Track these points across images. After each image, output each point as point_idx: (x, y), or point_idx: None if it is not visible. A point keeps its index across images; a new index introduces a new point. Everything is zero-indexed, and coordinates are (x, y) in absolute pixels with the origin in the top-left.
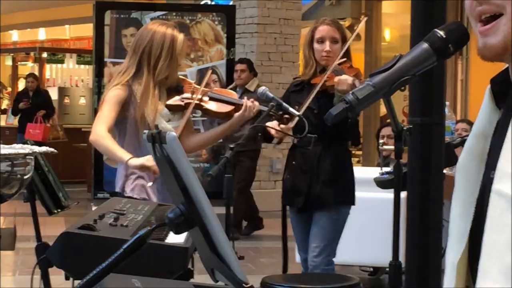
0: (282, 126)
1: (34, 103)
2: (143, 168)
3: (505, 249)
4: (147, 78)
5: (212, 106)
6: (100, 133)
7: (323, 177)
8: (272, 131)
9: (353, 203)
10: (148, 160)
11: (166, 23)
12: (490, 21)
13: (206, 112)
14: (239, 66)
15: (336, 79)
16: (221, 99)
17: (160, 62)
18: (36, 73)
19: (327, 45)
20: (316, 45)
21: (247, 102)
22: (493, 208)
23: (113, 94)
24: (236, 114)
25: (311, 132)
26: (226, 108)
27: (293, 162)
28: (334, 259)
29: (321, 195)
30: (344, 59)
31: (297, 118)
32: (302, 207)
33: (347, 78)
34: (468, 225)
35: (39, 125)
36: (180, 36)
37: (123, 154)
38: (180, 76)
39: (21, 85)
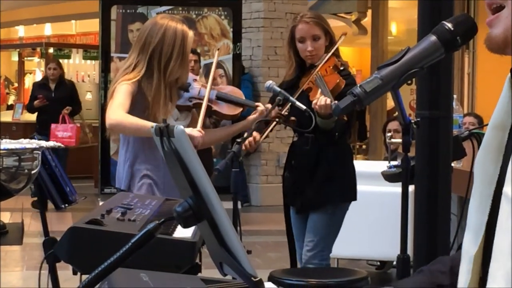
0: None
1: (57, 97)
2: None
3: (508, 254)
4: (157, 79)
5: (221, 107)
6: (121, 115)
7: (321, 177)
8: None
9: (354, 199)
10: (192, 130)
11: (175, 17)
12: (497, 12)
13: (214, 113)
14: (192, 56)
15: (316, 103)
16: (230, 100)
17: (172, 62)
18: (42, 68)
19: (308, 45)
20: (298, 45)
21: (262, 107)
22: (502, 210)
23: (124, 87)
24: (251, 117)
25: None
26: (235, 110)
27: (292, 162)
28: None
29: (317, 196)
30: (330, 55)
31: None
32: (300, 208)
33: (325, 103)
34: (484, 218)
35: (68, 126)
36: (190, 33)
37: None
38: None
39: (28, 80)
